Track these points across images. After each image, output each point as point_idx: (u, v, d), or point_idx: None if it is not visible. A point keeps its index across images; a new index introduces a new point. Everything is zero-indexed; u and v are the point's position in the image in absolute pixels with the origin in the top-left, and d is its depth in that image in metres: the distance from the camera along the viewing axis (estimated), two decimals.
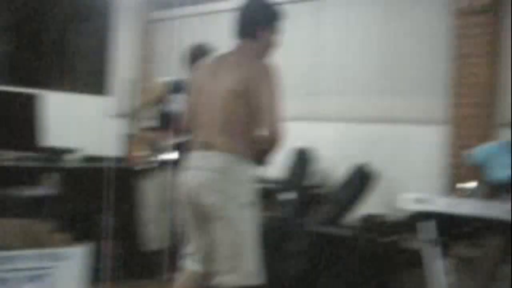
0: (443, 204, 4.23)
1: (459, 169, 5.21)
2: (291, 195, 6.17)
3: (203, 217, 3.40)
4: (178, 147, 4.67)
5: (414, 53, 6.37)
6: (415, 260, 5.24)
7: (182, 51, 4.95)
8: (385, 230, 5.20)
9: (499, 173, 4.75)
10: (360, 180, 6.10)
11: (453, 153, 5.80)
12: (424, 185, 5.88)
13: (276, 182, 6.37)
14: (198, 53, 4.70)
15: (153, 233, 4.84)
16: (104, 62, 8.82)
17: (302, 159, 6.62)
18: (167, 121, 4.81)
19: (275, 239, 3.61)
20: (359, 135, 6.67)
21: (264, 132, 3.27)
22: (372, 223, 5.26)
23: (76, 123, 7.98)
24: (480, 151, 5.00)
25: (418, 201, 4.26)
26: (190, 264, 3.54)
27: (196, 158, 3.44)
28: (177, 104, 4.80)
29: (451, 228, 4.50)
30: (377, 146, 6.49)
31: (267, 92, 3.29)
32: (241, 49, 3.50)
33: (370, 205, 6.07)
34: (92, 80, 8.94)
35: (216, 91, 3.39)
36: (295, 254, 5.44)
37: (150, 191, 4.83)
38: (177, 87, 4.85)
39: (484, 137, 5.61)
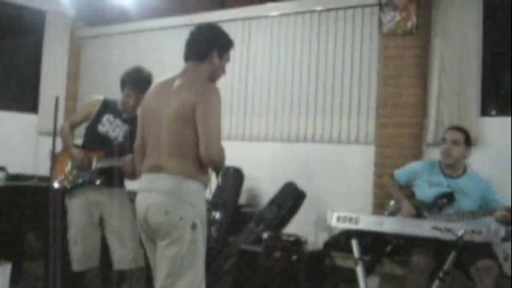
0: (365, 223, 4.30)
1: (386, 188, 5.27)
2: (221, 214, 6.17)
3: (154, 238, 3.45)
4: (105, 168, 4.65)
5: (345, 73, 6.46)
6: (345, 278, 5.32)
7: (121, 72, 4.86)
8: (298, 248, 5.23)
9: (423, 192, 4.85)
10: (291, 199, 6.15)
11: (380, 173, 5.88)
12: (354, 204, 5.97)
13: (207, 201, 6.35)
14: (135, 76, 4.68)
15: (78, 253, 4.72)
16: (37, 80, 8.68)
17: (233, 178, 6.63)
18: (95, 141, 4.75)
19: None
20: (290, 155, 6.73)
21: (205, 154, 3.30)
22: (280, 241, 5.29)
23: (5, 141, 7.84)
24: (405, 170, 5.09)
25: (342, 219, 4.33)
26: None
27: (146, 180, 3.50)
28: (107, 124, 4.75)
29: (376, 246, 4.58)
30: (307, 165, 6.56)
31: (210, 115, 3.33)
32: (190, 72, 3.54)
33: (301, 224, 6.11)
34: (25, 98, 8.79)
35: (165, 113, 3.42)
36: (222, 273, 5.43)
37: (73, 210, 4.74)
38: (107, 107, 4.80)
39: (411, 157, 5.71)
